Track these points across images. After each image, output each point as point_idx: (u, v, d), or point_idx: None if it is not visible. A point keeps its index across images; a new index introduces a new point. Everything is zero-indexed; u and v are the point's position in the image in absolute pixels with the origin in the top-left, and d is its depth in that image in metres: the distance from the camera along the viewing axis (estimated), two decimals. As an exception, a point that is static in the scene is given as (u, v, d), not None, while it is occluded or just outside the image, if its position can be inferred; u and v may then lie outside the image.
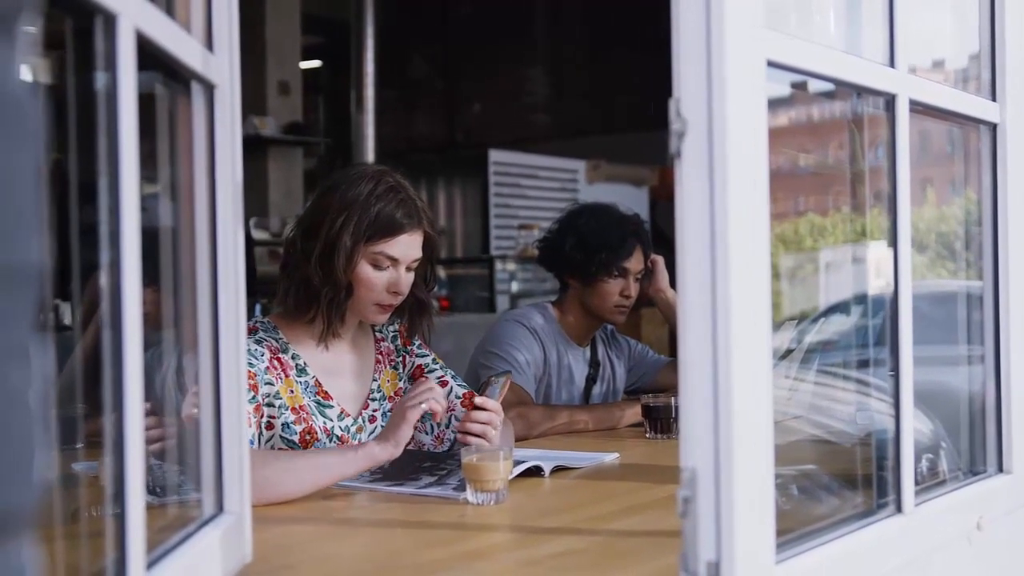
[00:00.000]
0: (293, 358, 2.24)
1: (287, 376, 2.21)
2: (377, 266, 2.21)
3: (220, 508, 1.39)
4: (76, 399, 1.67)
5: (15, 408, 0.56)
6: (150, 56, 1.12)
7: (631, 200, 6.42)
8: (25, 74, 0.58)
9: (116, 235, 1.02)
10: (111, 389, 1.02)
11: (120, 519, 1.02)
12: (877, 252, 1.90)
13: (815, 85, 1.55)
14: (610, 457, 2.37)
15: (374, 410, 2.34)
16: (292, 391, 2.20)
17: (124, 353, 1.02)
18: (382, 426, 2.31)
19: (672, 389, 2.98)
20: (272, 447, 2.16)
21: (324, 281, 2.19)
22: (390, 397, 2.37)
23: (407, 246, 2.22)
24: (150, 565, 1.10)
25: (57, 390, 0.81)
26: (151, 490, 1.27)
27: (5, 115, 0.55)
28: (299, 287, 2.22)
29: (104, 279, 1.03)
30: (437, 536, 1.71)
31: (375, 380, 2.36)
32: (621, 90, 9.30)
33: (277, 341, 2.23)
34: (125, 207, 1.02)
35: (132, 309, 1.03)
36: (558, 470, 2.20)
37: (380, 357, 2.40)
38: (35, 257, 0.58)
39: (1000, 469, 1.83)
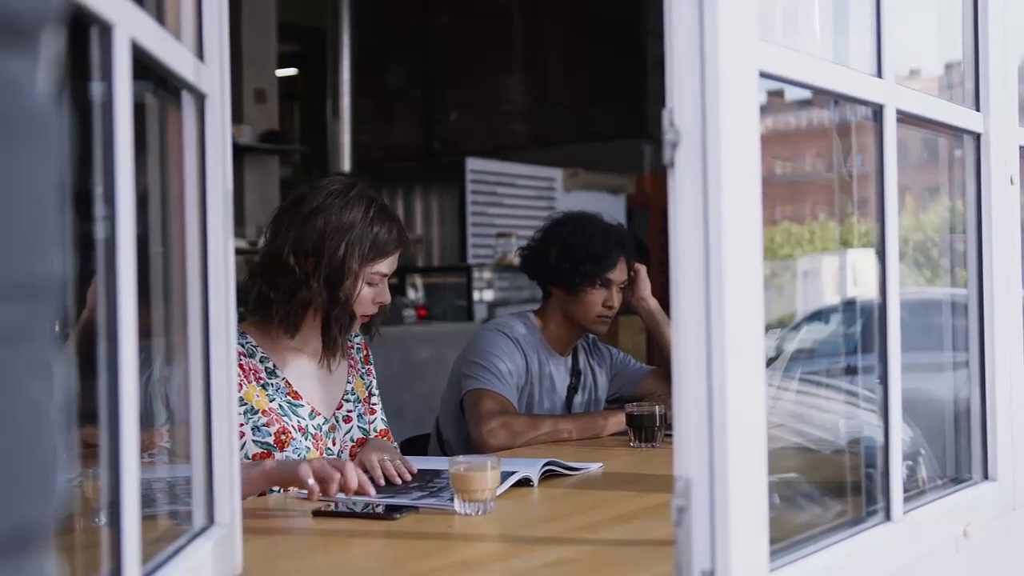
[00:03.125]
0: (262, 361, 2.29)
1: (251, 382, 2.25)
2: (371, 283, 2.31)
3: (211, 520, 1.38)
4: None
5: (39, 421, 0.56)
6: (142, 65, 1.12)
7: (608, 208, 6.42)
8: (47, 88, 0.58)
9: (111, 244, 1.01)
10: (106, 400, 1.01)
11: (115, 531, 1.01)
12: (855, 260, 1.91)
13: (791, 93, 1.56)
14: (595, 467, 2.37)
15: (348, 410, 2.42)
16: (259, 395, 2.25)
17: (119, 364, 1.01)
18: (358, 426, 2.42)
19: (654, 397, 2.99)
20: (245, 456, 2.18)
21: (332, 305, 2.26)
22: (363, 400, 2.46)
23: (395, 261, 2.35)
24: (144, 578, 1.09)
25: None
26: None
27: (30, 129, 0.55)
28: (300, 309, 2.27)
29: (98, 289, 1.02)
30: (426, 547, 1.71)
31: (349, 382, 2.44)
32: (598, 98, 9.33)
33: (243, 346, 2.27)
34: (121, 216, 1.01)
35: (127, 319, 1.02)
36: (547, 477, 2.20)
37: (352, 362, 2.48)
38: (57, 270, 0.58)
39: (985, 476, 1.84)
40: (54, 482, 0.58)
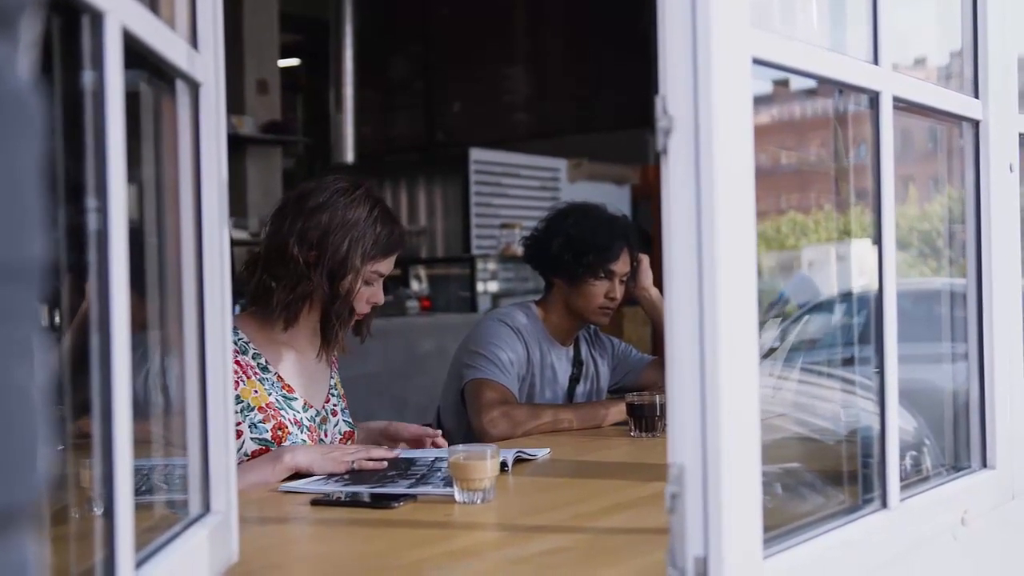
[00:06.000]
0: (254, 357, 2.32)
1: (249, 378, 2.28)
2: (367, 282, 2.34)
3: (207, 508, 1.38)
4: (58, 400, 1.66)
5: (19, 403, 0.56)
6: (135, 54, 1.12)
7: (613, 199, 6.42)
8: (26, 72, 0.58)
9: (104, 235, 1.01)
10: (99, 390, 1.01)
11: (109, 519, 1.02)
12: (859, 250, 1.91)
13: (796, 82, 1.56)
14: (542, 453, 2.40)
15: (334, 405, 2.47)
16: (256, 391, 2.28)
17: (112, 354, 1.01)
18: (344, 420, 2.47)
19: (656, 387, 2.99)
20: (245, 454, 2.19)
21: (332, 299, 2.29)
22: (343, 396, 2.52)
23: (392, 263, 2.39)
24: (138, 565, 1.09)
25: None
26: (136, 490, 1.27)
27: (9, 113, 0.55)
28: (300, 300, 2.30)
29: (90, 280, 1.02)
30: (424, 535, 1.71)
31: (332, 378, 2.49)
32: (602, 89, 9.32)
33: (236, 343, 2.27)
34: (113, 207, 1.01)
35: (119, 309, 1.02)
36: (519, 462, 2.25)
37: (334, 359, 2.52)
38: (38, 254, 0.58)
39: (984, 465, 1.84)
40: (36, 463, 0.58)
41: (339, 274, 2.28)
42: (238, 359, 2.27)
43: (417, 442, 2.45)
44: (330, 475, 2.11)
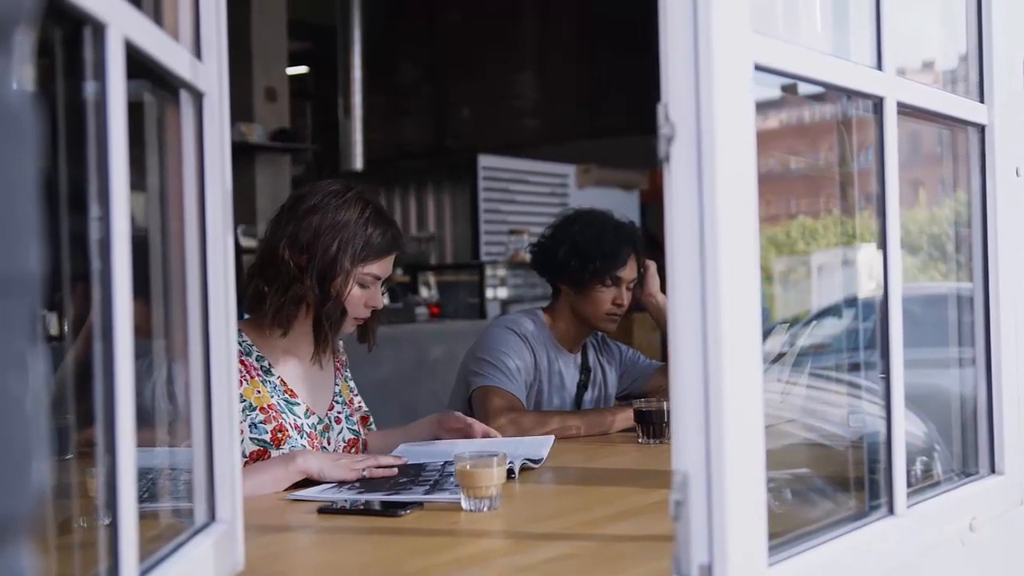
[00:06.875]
0: (258, 360, 2.33)
1: (252, 378, 2.29)
2: (363, 285, 2.34)
3: (212, 517, 1.38)
4: (66, 410, 1.67)
5: (13, 415, 0.56)
6: (138, 64, 1.12)
7: (621, 204, 6.42)
8: (22, 83, 0.58)
9: (106, 244, 1.01)
10: (103, 399, 1.02)
11: (113, 528, 1.02)
12: (868, 255, 1.90)
13: (805, 87, 1.56)
14: (548, 443, 2.43)
15: (338, 412, 2.47)
16: (259, 391, 2.29)
17: (115, 363, 1.02)
18: (348, 428, 2.46)
19: (663, 394, 2.98)
20: (243, 452, 2.20)
21: (323, 301, 2.29)
22: (348, 403, 2.50)
23: (390, 265, 2.38)
24: (143, 574, 1.10)
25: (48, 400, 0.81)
26: (140, 498, 1.27)
27: (4, 125, 0.55)
28: (292, 304, 2.30)
29: (94, 289, 1.03)
30: (430, 543, 1.71)
31: (336, 385, 2.49)
32: (610, 94, 9.31)
33: (240, 345, 2.28)
34: (115, 216, 1.02)
35: (123, 318, 1.02)
36: (525, 470, 2.25)
37: (339, 365, 2.52)
38: (33, 266, 0.58)
39: (992, 470, 1.83)
40: (30, 474, 0.58)
41: (329, 275, 2.28)
42: (242, 359, 2.28)
43: (465, 432, 2.47)
44: (341, 483, 2.11)
